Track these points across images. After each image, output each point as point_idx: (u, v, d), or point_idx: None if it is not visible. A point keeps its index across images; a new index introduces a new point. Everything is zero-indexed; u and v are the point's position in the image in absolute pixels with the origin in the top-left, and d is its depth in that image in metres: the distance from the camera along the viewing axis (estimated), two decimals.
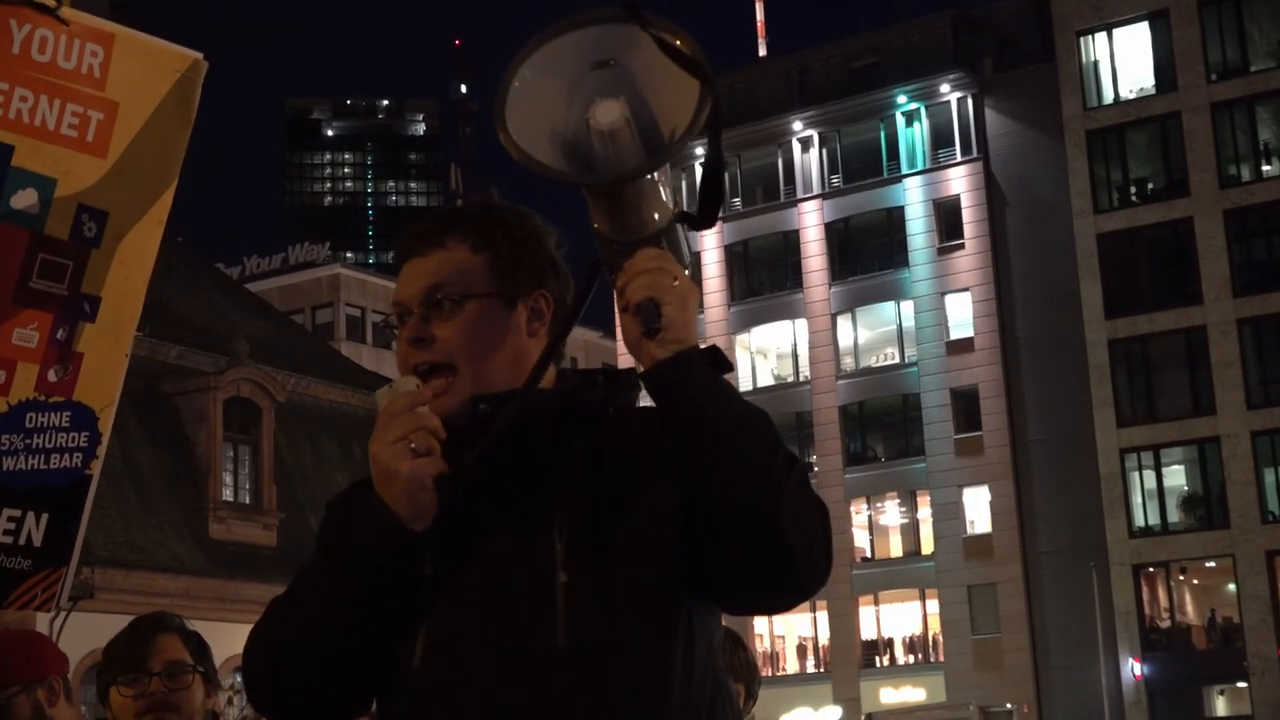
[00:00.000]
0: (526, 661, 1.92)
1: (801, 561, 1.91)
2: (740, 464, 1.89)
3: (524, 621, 1.94)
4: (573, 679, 1.91)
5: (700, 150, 49.43)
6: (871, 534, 48.36)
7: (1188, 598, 45.45)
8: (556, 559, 1.95)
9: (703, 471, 1.90)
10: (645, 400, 2.08)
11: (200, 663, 3.29)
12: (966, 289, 47.58)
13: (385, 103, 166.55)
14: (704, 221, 2.03)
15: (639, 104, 1.94)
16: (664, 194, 2.00)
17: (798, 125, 50.50)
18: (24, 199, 2.92)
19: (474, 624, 1.95)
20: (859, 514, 48.07)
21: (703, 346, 1.96)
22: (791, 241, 50.16)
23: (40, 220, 2.94)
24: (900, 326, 48.82)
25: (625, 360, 2.10)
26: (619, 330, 2.01)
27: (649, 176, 1.96)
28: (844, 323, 49.59)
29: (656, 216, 1.98)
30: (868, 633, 47.28)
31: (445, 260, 2.09)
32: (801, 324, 49.86)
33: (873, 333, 49.76)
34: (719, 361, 1.97)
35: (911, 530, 47.71)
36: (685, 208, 2.03)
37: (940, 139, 48.84)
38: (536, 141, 1.94)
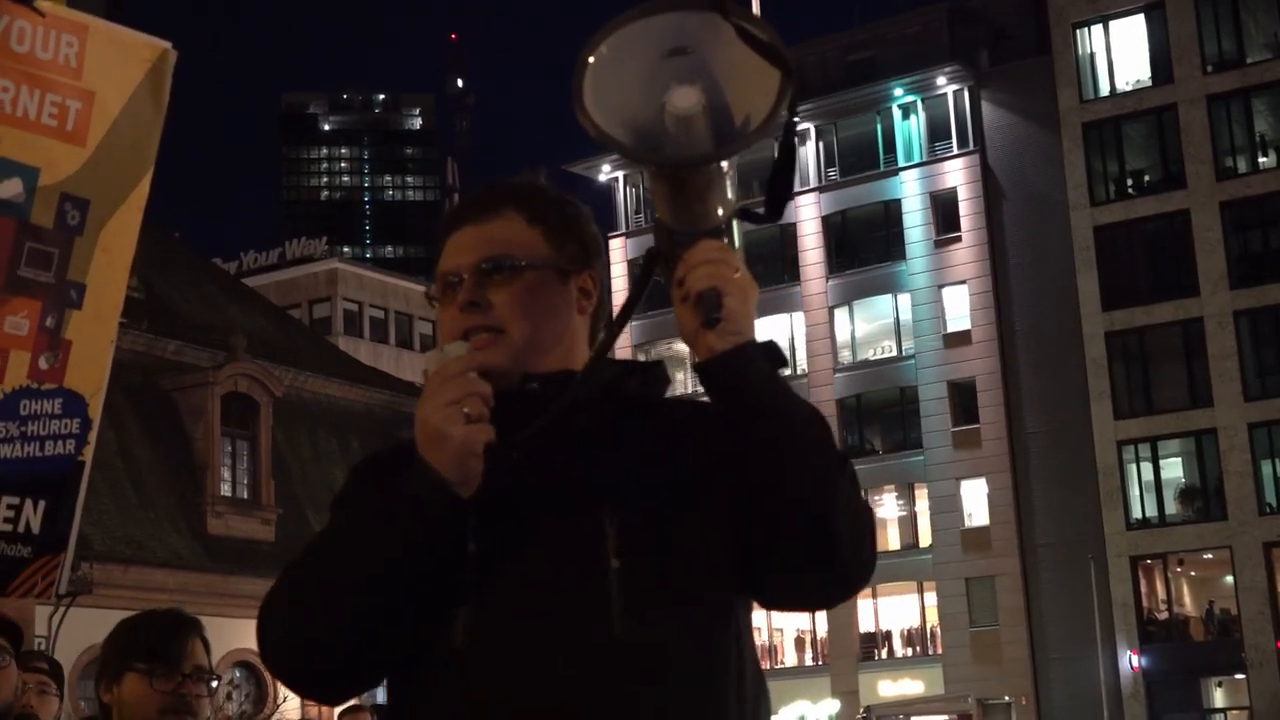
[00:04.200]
0: (582, 648, 1.87)
1: (850, 560, 1.92)
2: (796, 460, 1.88)
3: (577, 607, 1.88)
4: (630, 668, 1.87)
5: None
6: None
7: (1185, 590, 45.48)
8: (608, 545, 1.90)
9: (758, 465, 1.87)
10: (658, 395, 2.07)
11: (213, 669, 3.32)
12: (963, 282, 47.58)
13: (381, 97, 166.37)
14: (771, 214, 2.01)
15: (716, 92, 1.91)
16: (730, 188, 1.98)
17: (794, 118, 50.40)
18: (9, 188, 2.94)
19: (523, 607, 1.89)
20: None
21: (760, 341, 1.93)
22: (788, 235, 50.09)
23: (26, 209, 2.96)
24: (897, 319, 48.82)
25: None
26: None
27: (719, 166, 1.94)
28: (841, 316, 49.59)
29: (720, 210, 1.96)
30: (866, 625, 47.28)
31: (501, 229, 2.05)
32: (799, 317, 49.82)
33: (870, 326, 49.75)
34: (775, 356, 1.94)
35: (909, 523, 47.71)
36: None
37: (937, 132, 48.83)
38: (611, 121, 1.91)
